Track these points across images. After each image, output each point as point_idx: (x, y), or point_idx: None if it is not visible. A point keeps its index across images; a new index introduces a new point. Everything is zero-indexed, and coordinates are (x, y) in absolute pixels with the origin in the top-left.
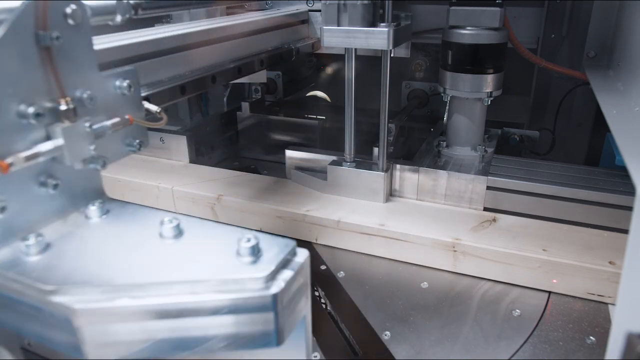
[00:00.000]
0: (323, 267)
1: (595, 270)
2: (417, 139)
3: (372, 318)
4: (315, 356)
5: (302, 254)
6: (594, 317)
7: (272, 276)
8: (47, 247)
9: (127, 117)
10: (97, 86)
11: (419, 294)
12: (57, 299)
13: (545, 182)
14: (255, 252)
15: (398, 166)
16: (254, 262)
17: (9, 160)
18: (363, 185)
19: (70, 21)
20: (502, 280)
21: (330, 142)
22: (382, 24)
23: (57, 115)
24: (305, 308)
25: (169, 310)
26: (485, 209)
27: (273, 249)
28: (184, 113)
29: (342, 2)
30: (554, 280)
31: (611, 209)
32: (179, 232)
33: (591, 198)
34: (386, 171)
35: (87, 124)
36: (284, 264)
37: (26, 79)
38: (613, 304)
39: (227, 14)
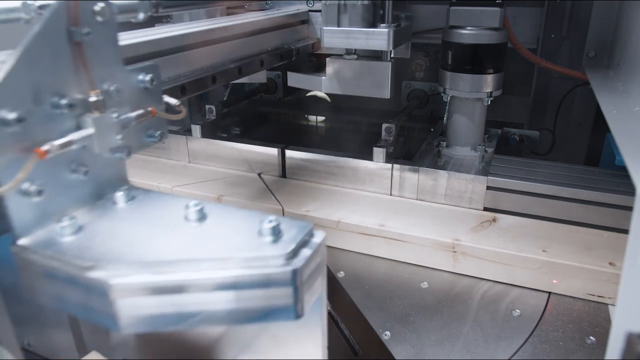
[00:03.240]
0: None
1: (595, 271)
2: (417, 139)
3: (372, 318)
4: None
5: (319, 235)
6: (594, 317)
7: (293, 254)
8: (79, 229)
9: (149, 109)
10: (122, 80)
11: (419, 294)
12: (94, 274)
13: (545, 182)
14: (276, 232)
15: (398, 166)
16: (275, 241)
17: (45, 147)
18: (367, 78)
19: (99, 18)
20: (502, 281)
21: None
22: (382, 25)
23: (87, 107)
24: (321, 287)
25: (197, 285)
26: (485, 209)
27: (292, 230)
28: None
29: (342, 2)
30: (554, 281)
31: (611, 209)
32: (202, 216)
33: (591, 198)
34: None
35: (114, 115)
36: (302, 244)
37: (59, 73)
38: (613, 305)
39: (227, 14)
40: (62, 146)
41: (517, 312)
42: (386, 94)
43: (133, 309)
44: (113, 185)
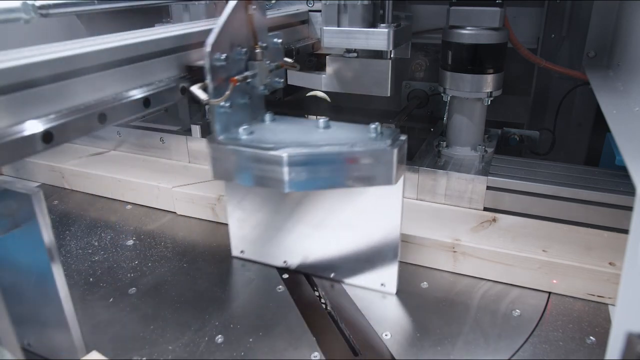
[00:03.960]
0: None
1: (595, 271)
2: (417, 139)
3: (372, 318)
4: (315, 356)
5: (404, 136)
6: (594, 317)
7: (392, 143)
8: (251, 132)
9: (280, 63)
10: (267, 41)
11: (419, 294)
12: (272, 152)
13: (545, 182)
14: (379, 131)
15: None
16: (378, 137)
17: (236, 77)
18: (367, 76)
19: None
20: (502, 281)
21: None
22: (382, 25)
23: (252, 56)
24: (404, 170)
25: (335, 158)
26: (485, 209)
27: (388, 131)
28: (184, 113)
29: (342, 2)
30: (554, 281)
31: (611, 209)
32: (328, 125)
33: (591, 198)
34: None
35: (267, 62)
36: (396, 139)
37: (240, 32)
38: (613, 305)
39: None
40: (244, 79)
41: (517, 312)
42: (386, 92)
43: (295, 175)
44: (260, 111)
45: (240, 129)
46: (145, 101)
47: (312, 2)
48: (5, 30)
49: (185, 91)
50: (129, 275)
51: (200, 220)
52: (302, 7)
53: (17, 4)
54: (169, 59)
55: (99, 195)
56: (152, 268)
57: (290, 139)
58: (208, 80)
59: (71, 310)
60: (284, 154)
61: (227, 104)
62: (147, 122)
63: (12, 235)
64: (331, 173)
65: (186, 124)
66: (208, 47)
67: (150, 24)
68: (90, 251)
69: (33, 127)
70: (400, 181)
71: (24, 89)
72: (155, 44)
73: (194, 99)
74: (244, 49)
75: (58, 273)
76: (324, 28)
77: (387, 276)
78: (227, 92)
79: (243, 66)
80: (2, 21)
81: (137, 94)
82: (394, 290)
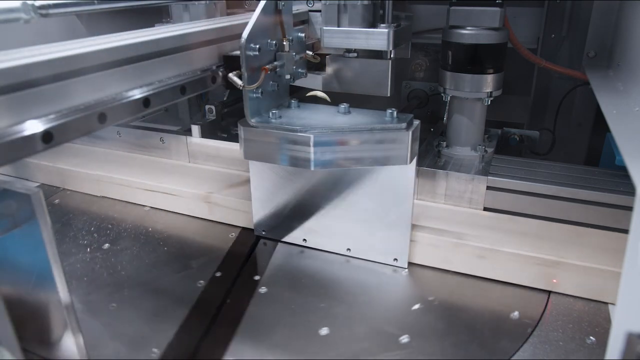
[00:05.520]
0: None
1: (596, 270)
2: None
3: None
4: (155, 353)
5: (417, 121)
6: (594, 317)
7: (407, 126)
8: (280, 116)
9: (303, 55)
10: (292, 34)
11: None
12: (300, 133)
13: (545, 182)
14: (395, 116)
15: None
16: (395, 121)
17: (268, 67)
18: (367, 76)
19: None
20: (501, 280)
21: None
22: (382, 25)
23: (280, 47)
24: (417, 151)
25: (355, 139)
26: (485, 209)
27: (405, 116)
28: (184, 113)
29: (342, 2)
30: (554, 280)
31: (611, 209)
32: (348, 111)
33: (591, 198)
34: (391, 58)
35: (294, 53)
36: (411, 123)
37: (270, 27)
38: (613, 304)
39: (227, 14)
40: (273, 68)
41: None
42: (386, 92)
43: (320, 155)
44: (284, 98)
45: (270, 113)
46: (145, 101)
47: (312, 2)
48: (6, 30)
49: (185, 91)
50: (124, 273)
51: (198, 218)
52: (302, 7)
53: (17, 4)
54: (169, 58)
55: (98, 195)
56: (143, 264)
57: (315, 122)
58: (243, 68)
59: (71, 310)
60: (311, 134)
61: (259, 91)
62: (147, 122)
63: (12, 235)
64: (352, 153)
65: (186, 124)
66: (243, 39)
67: (150, 24)
68: (90, 251)
69: (33, 127)
70: (414, 162)
71: (24, 89)
72: (155, 44)
73: (228, 85)
74: (274, 42)
75: (58, 273)
76: (324, 28)
77: (399, 252)
78: (260, 79)
79: (272, 57)
80: (2, 21)
81: (137, 93)
82: (405, 264)
